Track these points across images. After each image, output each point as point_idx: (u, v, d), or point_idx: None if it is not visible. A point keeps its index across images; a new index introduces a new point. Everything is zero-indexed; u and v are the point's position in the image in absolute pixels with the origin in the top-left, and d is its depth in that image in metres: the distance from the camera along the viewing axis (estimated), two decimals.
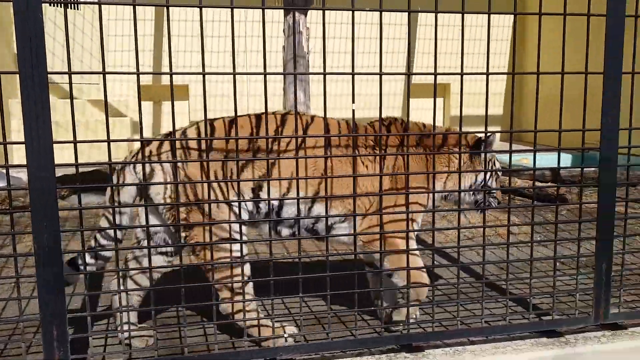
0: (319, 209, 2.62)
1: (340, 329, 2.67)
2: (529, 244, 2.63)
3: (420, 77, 10.96)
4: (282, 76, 6.13)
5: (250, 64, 10.52)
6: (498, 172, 2.92)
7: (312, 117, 2.73)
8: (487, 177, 2.88)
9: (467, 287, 3.34)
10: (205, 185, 2.38)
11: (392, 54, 10.67)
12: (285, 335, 2.50)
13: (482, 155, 2.85)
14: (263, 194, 2.52)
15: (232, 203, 2.50)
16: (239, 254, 2.48)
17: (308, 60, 6.04)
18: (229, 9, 2.06)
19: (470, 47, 9.78)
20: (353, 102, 2.19)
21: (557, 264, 3.95)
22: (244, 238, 2.53)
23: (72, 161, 2.03)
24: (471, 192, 2.87)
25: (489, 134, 2.74)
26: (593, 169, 2.73)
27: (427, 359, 2.39)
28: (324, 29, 2.17)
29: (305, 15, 5.80)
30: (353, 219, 2.54)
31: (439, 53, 2.33)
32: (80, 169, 2.05)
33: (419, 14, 10.98)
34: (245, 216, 2.58)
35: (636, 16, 2.41)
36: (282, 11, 6.09)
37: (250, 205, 2.59)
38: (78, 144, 2.00)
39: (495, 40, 11.15)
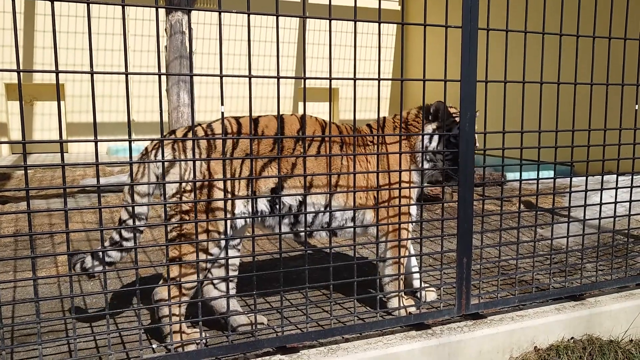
0: (334, 206, 2.82)
1: (215, 335, 2.62)
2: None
3: (309, 81, 11.13)
4: (156, 77, 6.05)
5: (132, 63, 10.05)
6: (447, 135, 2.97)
7: (324, 121, 2.91)
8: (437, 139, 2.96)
9: (342, 286, 3.42)
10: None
11: (282, 57, 10.73)
12: None
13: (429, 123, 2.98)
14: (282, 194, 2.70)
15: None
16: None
17: (191, 61, 5.94)
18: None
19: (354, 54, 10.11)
20: (222, 104, 2.16)
21: (430, 259, 4.21)
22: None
23: None
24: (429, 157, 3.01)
25: (433, 104, 2.92)
26: None
27: (302, 359, 2.41)
28: (190, 29, 2.12)
29: (188, 15, 5.67)
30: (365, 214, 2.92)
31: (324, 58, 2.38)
32: None
33: (308, 19, 11.17)
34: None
35: (488, 29, 2.61)
36: (163, 10, 5.89)
37: (264, 206, 2.70)
38: None
39: (382, 48, 11.64)
